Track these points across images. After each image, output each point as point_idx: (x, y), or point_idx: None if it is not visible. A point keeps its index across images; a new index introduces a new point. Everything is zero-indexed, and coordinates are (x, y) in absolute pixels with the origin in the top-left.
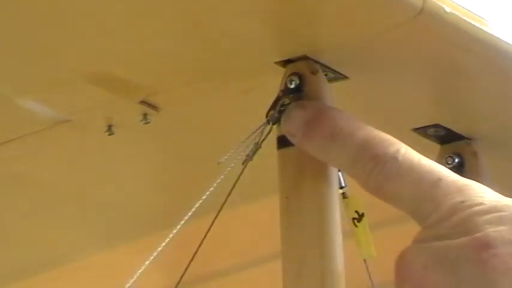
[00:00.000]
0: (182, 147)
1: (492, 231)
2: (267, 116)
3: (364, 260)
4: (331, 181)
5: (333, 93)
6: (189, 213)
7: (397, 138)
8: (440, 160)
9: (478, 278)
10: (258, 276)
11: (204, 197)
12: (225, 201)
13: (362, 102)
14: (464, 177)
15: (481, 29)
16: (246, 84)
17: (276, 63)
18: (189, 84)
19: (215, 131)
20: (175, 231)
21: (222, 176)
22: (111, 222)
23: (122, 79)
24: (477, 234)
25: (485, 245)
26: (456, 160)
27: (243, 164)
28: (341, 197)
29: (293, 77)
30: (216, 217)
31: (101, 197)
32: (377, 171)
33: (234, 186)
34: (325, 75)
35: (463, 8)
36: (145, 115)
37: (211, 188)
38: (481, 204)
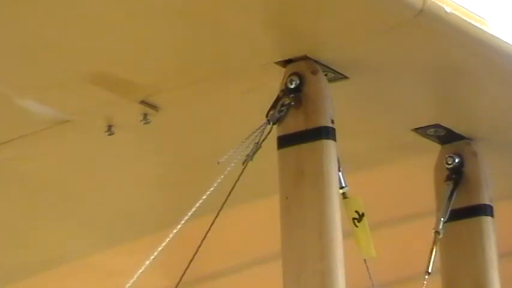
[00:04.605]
0: (182, 147)
1: None
2: (267, 116)
3: (364, 260)
4: (331, 181)
5: (333, 93)
6: (189, 213)
7: (397, 138)
8: (441, 160)
9: None
10: (257, 277)
11: (204, 197)
12: (225, 201)
13: (362, 102)
14: (464, 177)
15: (481, 29)
16: (246, 84)
17: (276, 63)
18: (189, 84)
19: (215, 131)
20: (175, 231)
21: (222, 176)
22: (111, 222)
23: (122, 79)
24: None
25: None
26: (456, 160)
27: (243, 164)
28: (341, 197)
29: (293, 77)
30: (216, 217)
31: (101, 197)
32: None
33: (234, 186)
34: (325, 75)
35: (463, 8)
36: (145, 115)
37: (212, 188)
38: None
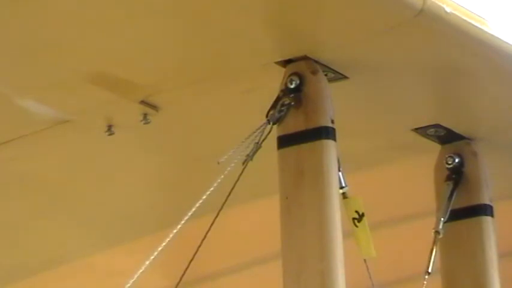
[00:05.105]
0: (182, 147)
1: None
2: (267, 116)
3: (364, 260)
4: (331, 181)
5: (333, 93)
6: (189, 213)
7: (397, 138)
8: (441, 160)
9: None
10: (257, 277)
11: (204, 197)
12: (225, 201)
13: (362, 102)
14: (464, 177)
15: (481, 29)
16: (246, 84)
17: (276, 63)
18: (189, 84)
19: (215, 131)
20: (175, 231)
21: (222, 176)
22: (111, 222)
23: (122, 79)
24: None
25: None
26: (456, 160)
27: (243, 164)
28: (341, 197)
29: (293, 77)
30: (216, 217)
31: (101, 197)
32: None
33: (234, 186)
34: (325, 75)
35: (463, 8)
36: (145, 115)
37: (212, 188)
38: None
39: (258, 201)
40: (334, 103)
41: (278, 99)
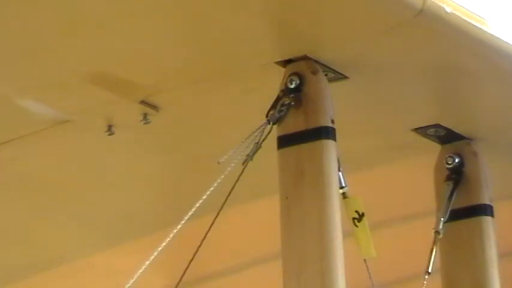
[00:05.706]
0: (182, 147)
1: None
2: (267, 116)
3: (364, 260)
4: (331, 181)
5: (333, 93)
6: (189, 213)
7: (397, 138)
8: (441, 160)
9: None
10: (257, 277)
11: (204, 197)
12: (225, 201)
13: (362, 102)
14: (464, 177)
15: (481, 29)
16: (246, 84)
17: (276, 63)
18: (189, 84)
19: (215, 131)
20: (175, 231)
21: (222, 176)
22: (111, 222)
23: (122, 79)
24: None
25: None
26: (456, 160)
27: (243, 164)
28: (341, 197)
29: (293, 77)
30: (216, 217)
31: (101, 197)
32: None
33: (234, 186)
34: (325, 75)
35: (463, 8)
36: (145, 115)
37: (211, 188)
38: None
39: (258, 201)
40: (334, 103)
41: (278, 99)
